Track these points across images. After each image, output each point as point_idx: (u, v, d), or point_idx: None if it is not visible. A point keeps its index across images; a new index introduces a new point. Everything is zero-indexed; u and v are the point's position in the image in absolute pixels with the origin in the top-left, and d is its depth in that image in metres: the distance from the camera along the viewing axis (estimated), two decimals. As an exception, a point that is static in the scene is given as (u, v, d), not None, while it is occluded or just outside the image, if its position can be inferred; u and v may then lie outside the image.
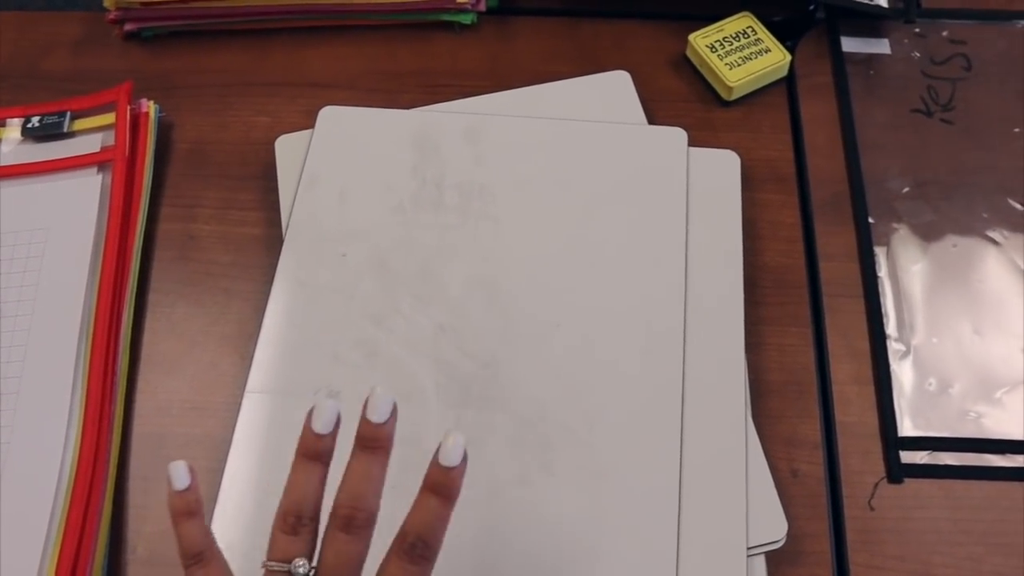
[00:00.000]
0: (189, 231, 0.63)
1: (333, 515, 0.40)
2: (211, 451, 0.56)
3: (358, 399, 0.50)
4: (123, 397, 0.57)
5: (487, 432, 0.53)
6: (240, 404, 0.55)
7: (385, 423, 0.41)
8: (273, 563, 0.39)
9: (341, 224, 0.59)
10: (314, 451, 0.41)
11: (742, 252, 0.58)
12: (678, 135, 0.61)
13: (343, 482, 0.40)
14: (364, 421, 0.41)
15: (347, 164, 0.61)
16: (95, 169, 0.63)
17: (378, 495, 0.40)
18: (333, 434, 0.41)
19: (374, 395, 0.41)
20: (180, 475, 0.41)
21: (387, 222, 0.59)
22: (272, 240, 0.61)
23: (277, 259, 0.59)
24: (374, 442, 0.40)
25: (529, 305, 0.57)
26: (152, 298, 0.61)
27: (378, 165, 0.61)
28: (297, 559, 0.39)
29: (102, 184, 0.62)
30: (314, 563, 0.40)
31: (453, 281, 0.57)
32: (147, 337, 0.59)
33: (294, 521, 0.40)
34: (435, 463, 0.41)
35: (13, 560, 0.51)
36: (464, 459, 0.41)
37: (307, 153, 0.62)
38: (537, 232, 0.59)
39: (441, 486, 0.40)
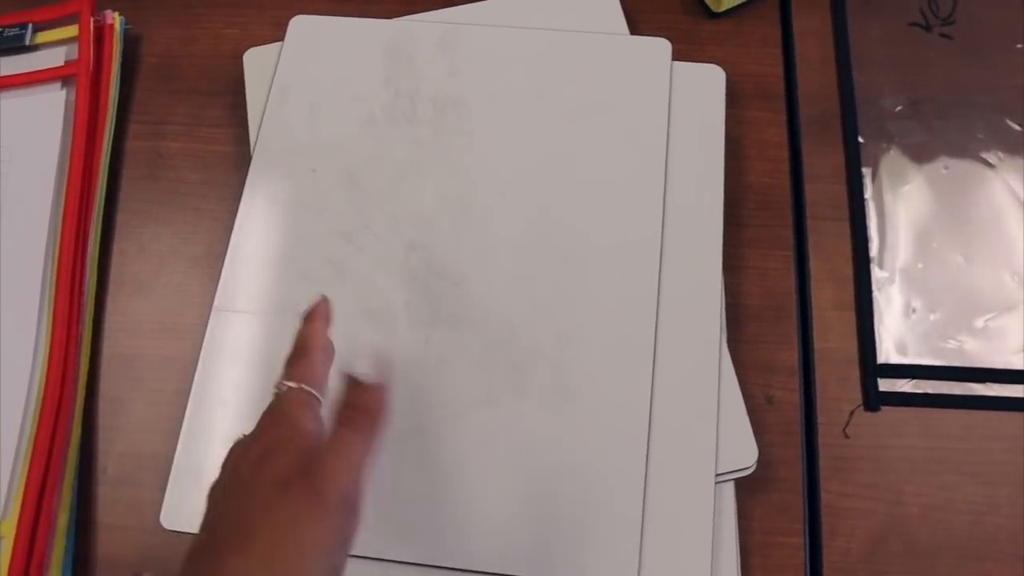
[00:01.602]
0: (157, 148, 0.61)
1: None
2: (182, 373, 0.55)
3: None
4: (91, 319, 0.56)
5: (456, 351, 0.52)
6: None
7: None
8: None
9: (311, 138, 0.58)
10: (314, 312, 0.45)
11: (723, 171, 0.56)
12: (662, 46, 0.58)
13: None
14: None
15: (318, 76, 0.59)
16: (59, 84, 0.61)
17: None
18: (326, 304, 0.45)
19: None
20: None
21: (358, 136, 0.58)
22: (242, 158, 0.59)
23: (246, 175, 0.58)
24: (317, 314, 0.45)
25: (502, 222, 0.55)
26: (120, 218, 0.59)
27: (350, 77, 0.59)
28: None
29: (66, 100, 0.60)
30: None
31: (424, 197, 0.56)
32: (115, 258, 0.58)
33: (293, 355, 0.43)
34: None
35: (-19, 480, 0.51)
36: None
37: (277, 65, 0.59)
38: (512, 147, 0.57)
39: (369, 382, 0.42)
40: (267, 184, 0.57)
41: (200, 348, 0.55)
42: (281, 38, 0.62)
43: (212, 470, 0.47)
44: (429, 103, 0.58)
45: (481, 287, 0.53)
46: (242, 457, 0.39)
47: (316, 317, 0.45)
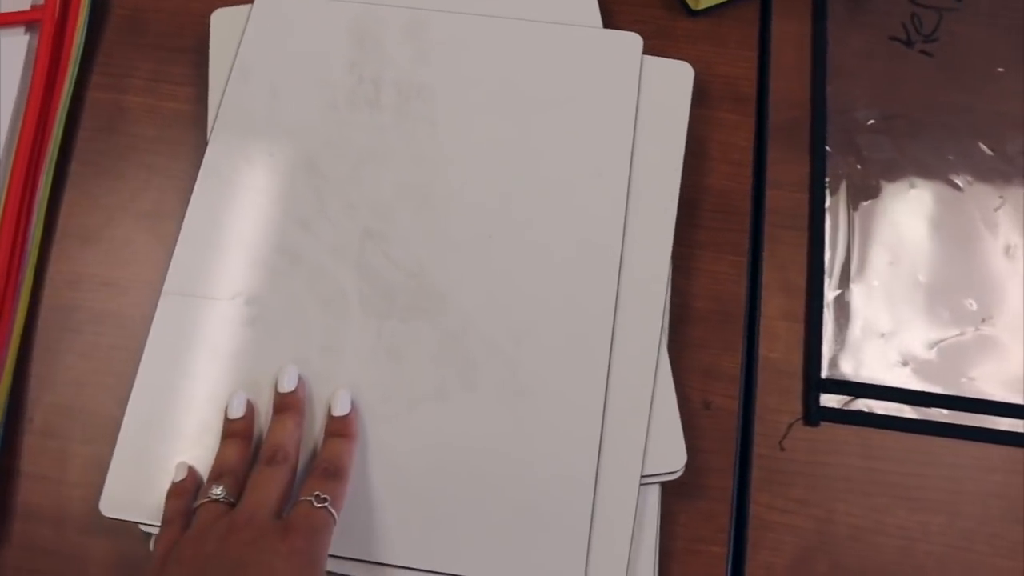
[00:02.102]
0: (118, 102, 0.60)
1: (258, 458, 0.47)
2: (119, 329, 0.55)
3: (278, 308, 0.52)
4: (33, 266, 0.56)
5: (410, 344, 0.51)
6: (156, 304, 0.52)
7: (294, 391, 0.49)
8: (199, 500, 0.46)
9: (271, 120, 0.56)
10: (231, 432, 0.49)
11: (681, 170, 0.55)
12: (632, 41, 0.57)
13: (267, 436, 0.48)
14: (276, 392, 0.49)
15: (282, 57, 0.58)
16: (22, 29, 0.60)
17: (296, 445, 0.48)
18: (247, 417, 0.49)
19: (283, 371, 0.49)
20: (343, 402, 0.49)
21: (319, 120, 0.56)
22: (200, 118, 0.58)
23: (204, 139, 0.57)
24: (287, 406, 0.49)
25: (461, 213, 0.54)
26: (74, 168, 0.59)
27: (314, 59, 0.58)
28: (214, 488, 0.45)
29: (29, 45, 0.59)
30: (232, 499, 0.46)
31: (383, 185, 0.55)
32: (64, 208, 0.58)
33: (216, 475, 0.46)
34: (330, 415, 0.49)
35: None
36: (353, 407, 0.49)
37: (240, 42, 0.58)
38: (475, 137, 0.56)
39: (340, 429, 0.48)
40: (224, 166, 0.55)
41: (138, 306, 0.55)
42: None
43: (155, 459, 0.49)
44: (393, 89, 0.57)
45: (438, 279, 0.52)
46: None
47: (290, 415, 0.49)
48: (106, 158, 0.59)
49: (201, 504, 0.45)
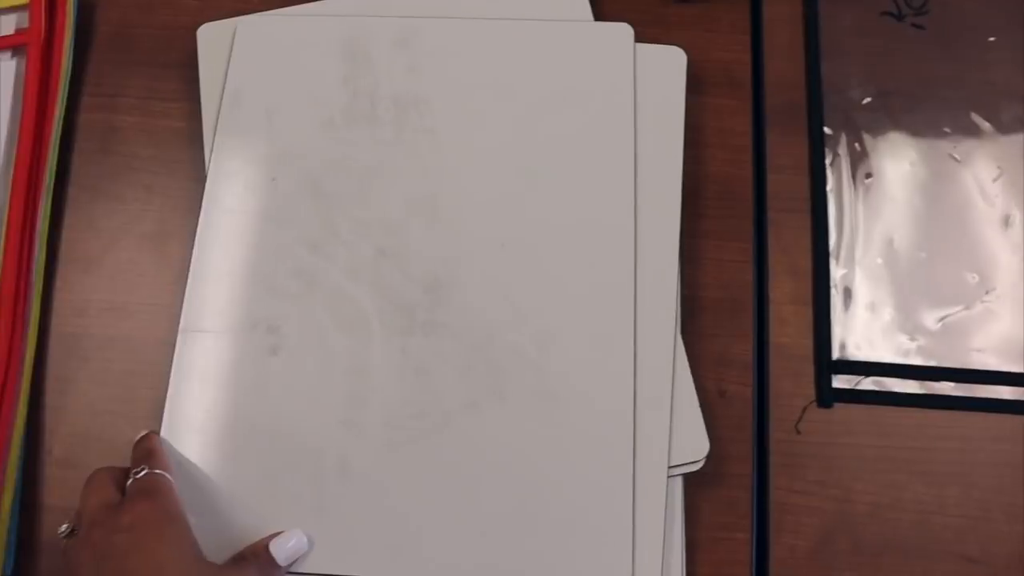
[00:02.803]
0: (111, 122, 0.60)
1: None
2: (130, 353, 0.55)
3: (299, 333, 0.52)
4: (39, 296, 0.55)
5: (436, 359, 0.51)
6: (166, 326, 0.53)
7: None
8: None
9: (269, 145, 0.56)
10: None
11: (682, 156, 0.55)
12: (623, 31, 0.57)
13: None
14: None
15: (272, 78, 0.57)
16: (9, 54, 0.59)
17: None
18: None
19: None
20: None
21: (318, 141, 0.56)
22: (195, 134, 0.57)
23: (201, 155, 0.56)
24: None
25: (473, 223, 0.54)
26: (71, 192, 0.58)
27: (306, 78, 0.57)
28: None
29: (16, 70, 0.59)
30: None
31: (391, 201, 0.54)
32: (65, 233, 0.57)
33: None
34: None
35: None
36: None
37: (228, 67, 0.57)
38: (478, 144, 0.55)
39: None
40: (227, 196, 0.55)
41: (147, 328, 0.55)
42: (240, 10, 0.60)
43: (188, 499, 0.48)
44: (390, 102, 0.57)
45: (456, 291, 0.52)
46: None
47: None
48: (103, 180, 0.58)
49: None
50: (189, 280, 0.53)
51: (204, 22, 0.60)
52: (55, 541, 0.51)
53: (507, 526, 0.48)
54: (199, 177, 0.57)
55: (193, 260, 0.53)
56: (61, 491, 0.53)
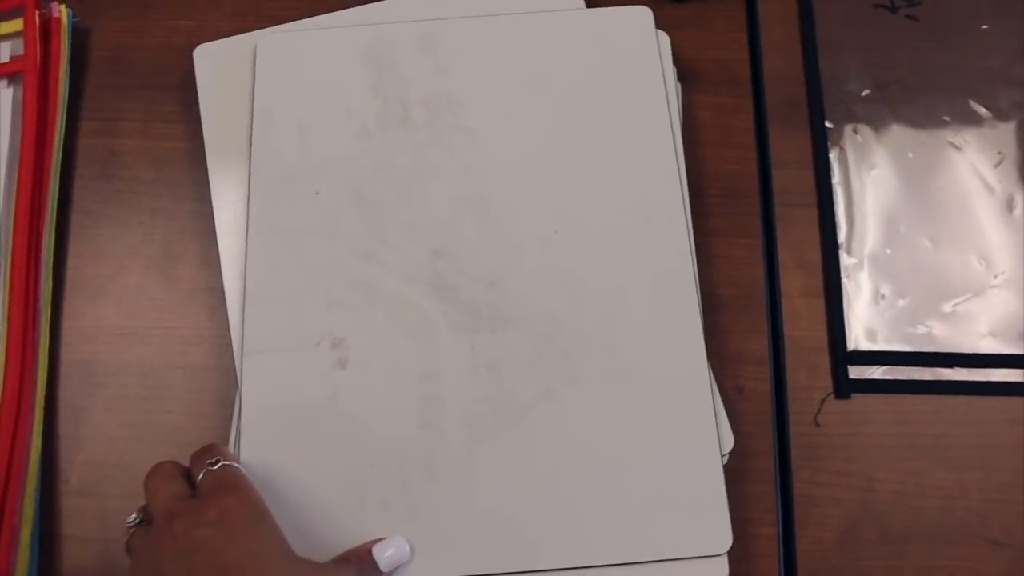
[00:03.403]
0: (111, 146, 0.59)
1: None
2: (143, 378, 0.55)
3: (364, 343, 0.52)
4: (48, 325, 0.55)
5: (505, 353, 0.51)
6: (179, 349, 0.53)
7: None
8: None
9: (307, 159, 0.55)
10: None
11: (676, 148, 0.55)
12: (642, 14, 0.58)
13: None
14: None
15: (300, 94, 0.57)
16: (5, 82, 0.59)
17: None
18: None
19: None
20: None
21: (355, 150, 0.56)
22: (197, 155, 0.57)
23: (205, 176, 0.56)
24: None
25: (522, 215, 0.54)
26: (75, 219, 0.58)
27: (333, 90, 0.57)
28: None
29: (13, 98, 0.58)
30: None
31: (438, 202, 0.54)
32: (71, 261, 0.57)
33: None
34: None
35: (-62, 496, 0.50)
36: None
37: (254, 88, 0.57)
38: (515, 137, 0.56)
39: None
40: (271, 215, 0.54)
41: (159, 353, 0.55)
42: (235, 30, 0.60)
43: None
44: (421, 105, 0.56)
45: (516, 284, 0.53)
46: None
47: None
48: (107, 205, 0.58)
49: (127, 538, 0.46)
50: (246, 304, 0.52)
51: (199, 43, 0.60)
52: (76, 571, 0.51)
53: (599, 506, 0.48)
54: (203, 198, 0.56)
55: (247, 283, 0.53)
56: (80, 521, 0.52)
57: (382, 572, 0.46)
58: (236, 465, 0.46)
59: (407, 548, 0.47)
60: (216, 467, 0.45)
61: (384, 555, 0.46)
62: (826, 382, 0.54)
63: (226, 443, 0.51)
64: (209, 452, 0.46)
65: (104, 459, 0.53)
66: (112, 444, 0.53)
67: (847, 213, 0.57)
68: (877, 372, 0.54)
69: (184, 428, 0.53)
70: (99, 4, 0.62)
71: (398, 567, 0.47)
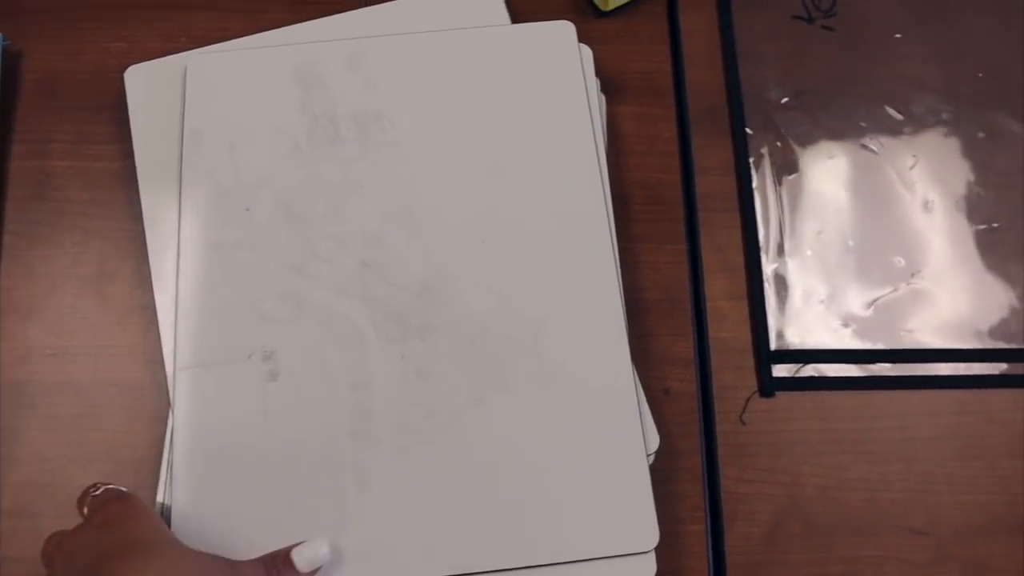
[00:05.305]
0: (43, 168, 0.59)
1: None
2: (76, 397, 0.55)
3: (295, 355, 0.52)
4: (-21, 346, 0.55)
5: (434, 360, 0.52)
6: (113, 367, 0.54)
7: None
8: None
9: (237, 177, 0.56)
10: None
11: (599, 157, 0.56)
12: (566, 29, 0.59)
13: None
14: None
15: (229, 114, 0.58)
16: (-66, 106, 0.59)
17: None
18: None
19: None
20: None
21: (285, 167, 0.56)
22: (130, 174, 0.58)
23: (137, 195, 0.57)
24: None
25: (450, 225, 0.55)
26: (7, 240, 0.58)
27: (263, 109, 0.58)
28: None
29: (-57, 122, 0.58)
30: None
31: (367, 215, 0.55)
32: (4, 282, 0.57)
33: None
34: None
35: None
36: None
37: (184, 108, 0.58)
38: (442, 150, 0.57)
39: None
40: (202, 232, 0.55)
41: (91, 372, 0.55)
42: (168, 51, 0.61)
43: (207, 537, 0.48)
44: (350, 121, 0.58)
45: (444, 292, 0.54)
46: None
47: None
48: (39, 226, 0.58)
49: None
50: (178, 319, 0.53)
51: (130, 64, 0.60)
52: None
53: (529, 508, 0.49)
54: (136, 217, 0.57)
55: (179, 299, 0.53)
56: (15, 542, 0.52)
57: (300, 573, 0.46)
58: (118, 487, 0.47)
59: (326, 549, 0.47)
60: (99, 492, 0.46)
61: (303, 555, 0.47)
62: (751, 381, 0.55)
63: (159, 459, 0.52)
64: (92, 486, 0.47)
65: (38, 479, 0.53)
66: (46, 464, 0.53)
67: (768, 217, 0.59)
68: (802, 370, 0.56)
69: (119, 446, 0.54)
70: (31, 27, 0.63)
71: (318, 568, 0.47)
